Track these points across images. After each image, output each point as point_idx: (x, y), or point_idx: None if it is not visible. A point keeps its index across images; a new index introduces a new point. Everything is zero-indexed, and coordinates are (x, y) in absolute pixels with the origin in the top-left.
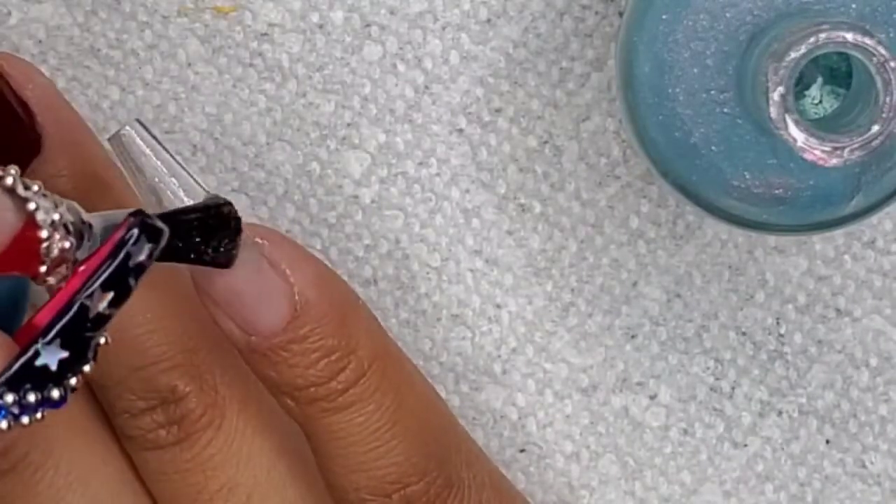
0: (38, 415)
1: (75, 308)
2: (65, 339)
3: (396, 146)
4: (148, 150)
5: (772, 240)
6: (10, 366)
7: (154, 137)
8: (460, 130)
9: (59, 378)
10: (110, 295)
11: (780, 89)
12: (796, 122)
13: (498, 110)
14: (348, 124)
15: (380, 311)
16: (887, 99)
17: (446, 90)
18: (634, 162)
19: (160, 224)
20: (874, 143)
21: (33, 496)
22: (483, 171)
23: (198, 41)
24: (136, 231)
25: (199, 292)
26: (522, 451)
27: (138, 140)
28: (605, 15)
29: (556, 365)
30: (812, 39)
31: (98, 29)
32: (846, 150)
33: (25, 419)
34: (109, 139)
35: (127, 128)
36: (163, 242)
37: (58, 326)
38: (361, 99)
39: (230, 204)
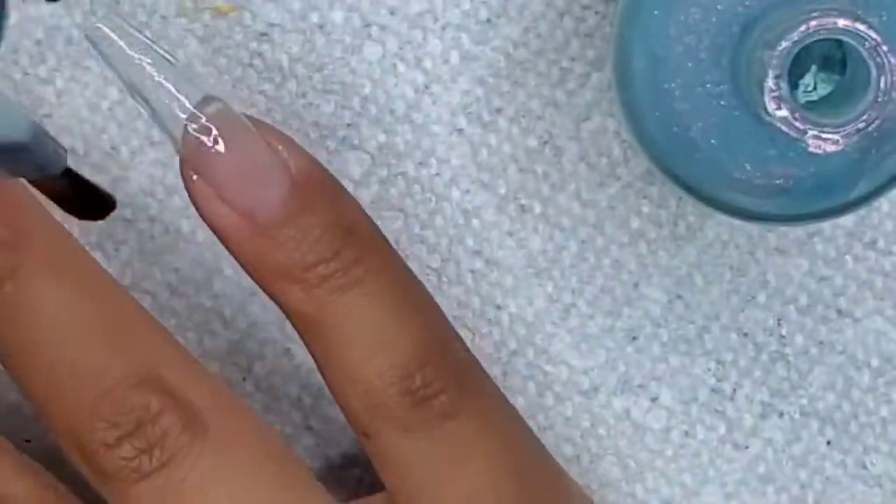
0: None
1: None
2: None
3: (396, 146)
4: (120, 42)
5: (773, 240)
6: None
7: (125, 24)
8: (460, 130)
9: None
10: None
11: (773, 79)
12: (792, 111)
13: (498, 110)
14: (348, 125)
15: None
16: (881, 83)
17: (446, 90)
18: (635, 162)
19: None
20: (870, 128)
21: None
22: (483, 171)
23: (197, 41)
24: None
25: (195, 184)
26: None
27: (111, 34)
28: (605, 15)
29: (556, 367)
30: (803, 27)
31: None
32: (842, 136)
33: None
34: (85, 36)
35: (98, 25)
36: None
37: None
38: (361, 99)
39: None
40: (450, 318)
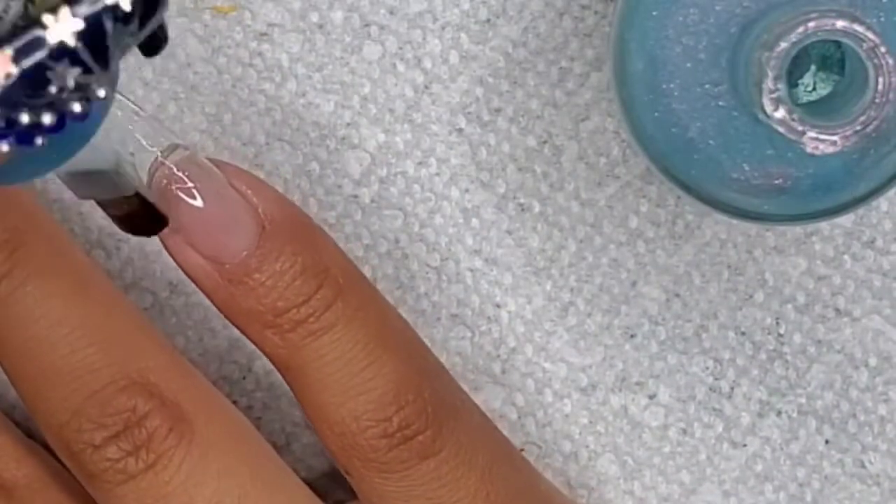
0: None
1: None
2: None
3: (396, 146)
4: None
5: (771, 239)
6: None
7: None
8: (460, 130)
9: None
10: (77, 23)
11: (772, 80)
12: (790, 112)
13: (497, 110)
14: (348, 124)
15: None
16: (879, 84)
17: (446, 90)
18: (634, 161)
19: None
20: (868, 129)
21: None
22: (482, 170)
23: (197, 41)
24: None
25: (164, 232)
26: (521, 450)
27: None
28: (604, 14)
29: (555, 364)
30: (801, 29)
31: None
32: (840, 137)
33: None
34: None
35: None
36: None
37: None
38: (361, 99)
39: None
40: (449, 317)
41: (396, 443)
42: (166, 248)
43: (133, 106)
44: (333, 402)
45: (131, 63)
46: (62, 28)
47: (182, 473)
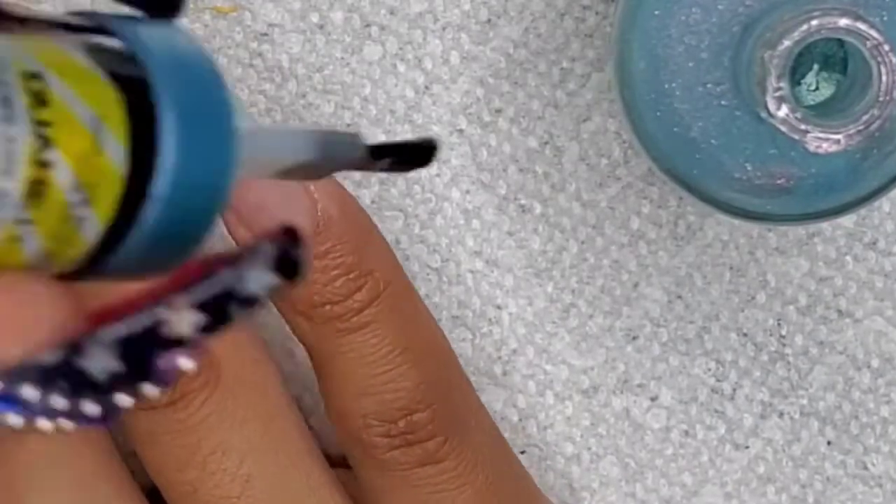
0: (60, 423)
1: (145, 321)
2: (125, 351)
3: None
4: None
5: (773, 241)
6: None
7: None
8: (460, 131)
9: (102, 390)
10: (199, 318)
11: (775, 78)
12: (793, 111)
13: (498, 111)
14: (348, 125)
15: None
16: (883, 83)
17: (446, 90)
18: (635, 163)
19: (300, 257)
20: (872, 128)
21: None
22: (483, 171)
23: None
24: (261, 257)
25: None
26: (523, 452)
27: None
28: (605, 15)
29: (556, 366)
30: (804, 27)
31: None
32: (844, 136)
33: (44, 423)
34: None
35: None
36: (298, 277)
37: (121, 333)
38: (361, 99)
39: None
40: (450, 318)
41: (397, 444)
42: (224, 223)
43: None
44: (346, 394)
45: None
46: (183, 323)
47: (198, 416)
